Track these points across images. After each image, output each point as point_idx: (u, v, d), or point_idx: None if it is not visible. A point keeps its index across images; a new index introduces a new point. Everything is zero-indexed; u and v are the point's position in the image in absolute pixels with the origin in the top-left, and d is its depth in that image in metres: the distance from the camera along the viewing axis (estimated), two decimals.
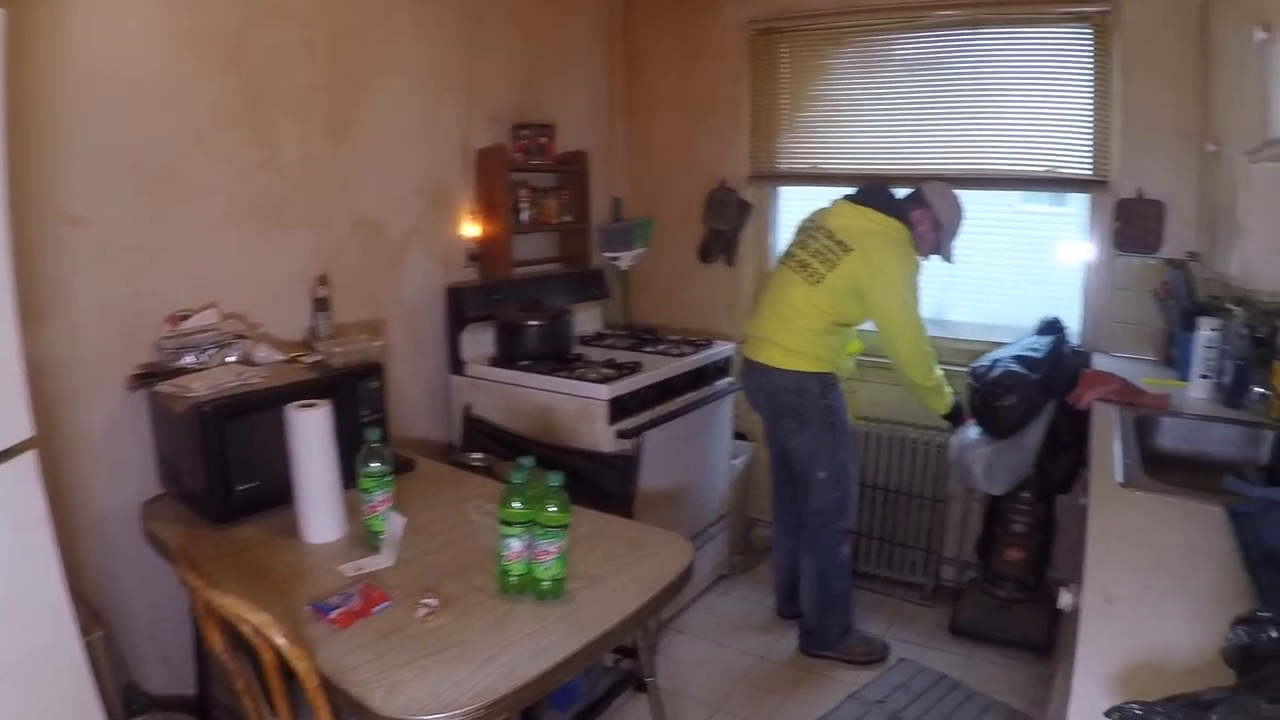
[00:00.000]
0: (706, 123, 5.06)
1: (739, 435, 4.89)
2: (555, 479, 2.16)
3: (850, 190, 3.93)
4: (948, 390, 3.91)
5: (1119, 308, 4.22)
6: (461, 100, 4.20)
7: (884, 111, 4.62)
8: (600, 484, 3.43)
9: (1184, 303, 3.81)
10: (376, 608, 2.17)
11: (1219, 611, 1.67)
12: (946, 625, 4.34)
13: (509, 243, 4.27)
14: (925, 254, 3.84)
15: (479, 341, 4.16)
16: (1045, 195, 4.59)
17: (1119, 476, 2.49)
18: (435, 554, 2.52)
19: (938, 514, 4.61)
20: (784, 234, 5.08)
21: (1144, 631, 1.65)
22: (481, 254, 4.32)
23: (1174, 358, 3.88)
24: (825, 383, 3.78)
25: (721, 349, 4.54)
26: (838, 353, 3.84)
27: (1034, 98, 4.27)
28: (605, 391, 3.69)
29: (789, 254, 3.91)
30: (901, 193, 3.87)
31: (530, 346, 4.04)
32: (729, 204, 4.98)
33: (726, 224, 4.99)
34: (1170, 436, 3.19)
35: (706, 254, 5.09)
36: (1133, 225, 4.07)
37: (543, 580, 2.21)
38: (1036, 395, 3.72)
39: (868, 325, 3.87)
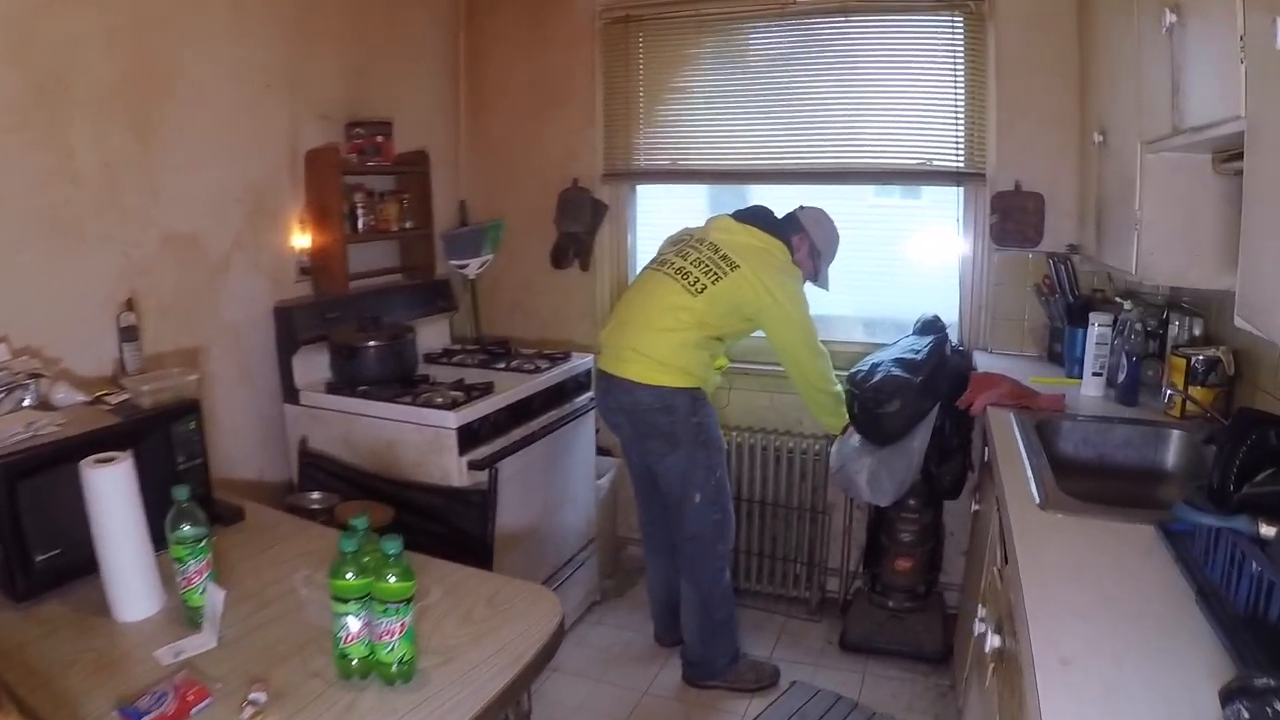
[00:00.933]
0: (558, 118, 4.75)
1: (602, 451, 4.58)
2: (393, 546, 1.76)
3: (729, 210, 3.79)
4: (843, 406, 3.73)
5: (999, 303, 4.15)
6: (287, 96, 3.77)
7: (749, 104, 4.42)
8: (454, 522, 3.06)
9: (1068, 297, 3.76)
10: (195, 709, 1.77)
11: (1190, 668, 1.49)
12: (837, 641, 4.16)
13: (344, 253, 3.85)
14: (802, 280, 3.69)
15: (314, 365, 3.73)
16: (898, 189, 4.50)
17: (1035, 497, 2.27)
18: (266, 629, 2.11)
19: (819, 525, 4.40)
20: (643, 236, 4.85)
21: (1115, 706, 1.40)
22: (314, 267, 3.88)
23: (1058, 354, 3.82)
24: (695, 398, 3.52)
25: (580, 362, 4.24)
26: (707, 367, 3.58)
27: (906, 89, 4.15)
28: (453, 419, 3.33)
29: (662, 260, 3.65)
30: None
31: (370, 370, 3.63)
32: (582, 204, 4.68)
33: (580, 226, 4.68)
34: (1071, 441, 3.03)
35: (559, 259, 4.78)
36: (1011, 219, 3.99)
37: (389, 664, 1.84)
38: (920, 399, 3.58)
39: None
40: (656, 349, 3.46)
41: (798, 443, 4.36)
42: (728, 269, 3.47)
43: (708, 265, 3.49)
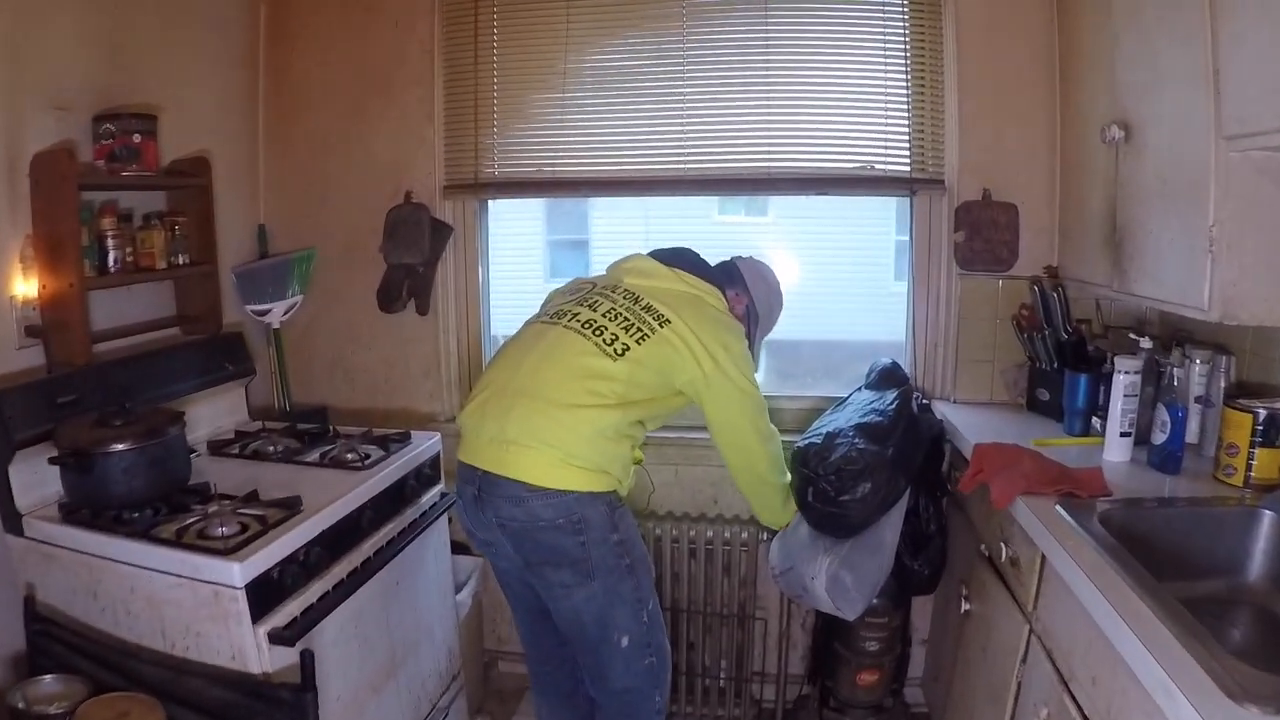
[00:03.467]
0: (387, 115, 3.71)
1: (459, 548, 3.47)
2: None
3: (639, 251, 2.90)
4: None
5: (962, 341, 3.49)
6: (3, 75, 2.61)
7: (640, 95, 3.58)
8: None
9: (1061, 333, 3.14)
10: None
11: None
12: None
13: (83, 304, 2.69)
14: None
15: (44, 477, 2.52)
16: (743, 204, 4.06)
17: (1214, 677, 1.41)
18: None
19: (748, 629, 3.51)
20: (498, 267, 3.89)
21: None
22: (46, 324, 2.72)
23: (1043, 403, 3.23)
24: (612, 506, 2.52)
25: (426, 444, 3.15)
26: (627, 465, 2.59)
27: (842, 75, 3.46)
28: (238, 572, 2.15)
29: (559, 313, 2.66)
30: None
31: (116, 487, 2.42)
32: (418, 226, 3.65)
33: (415, 255, 3.66)
34: (1131, 535, 2.15)
35: (389, 300, 3.73)
36: (980, 235, 3.36)
37: None
38: (894, 477, 2.80)
39: None
40: (566, 436, 2.45)
41: (718, 530, 3.44)
42: (655, 324, 2.55)
43: (627, 319, 2.56)
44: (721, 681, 3.56)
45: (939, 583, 3.12)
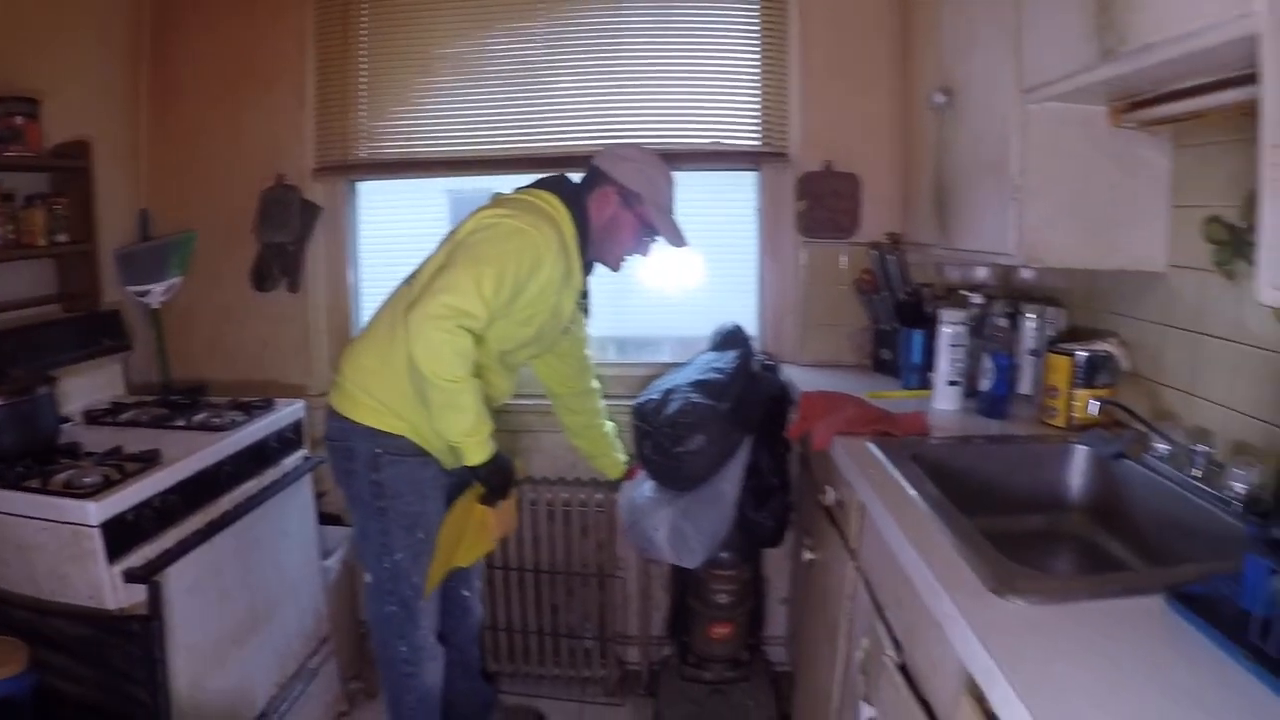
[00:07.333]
0: (262, 102, 3.78)
1: (330, 519, 3.61)
2: None
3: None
4: (486, 426, 2.45)
5: (809, 306, 3.62)
6: None
7: (500, 79, 3.66)
8: (112, 663, 2.14)
9: (899, 294, 3.31)
10: None
11: None
12: None
13: None
14: (636, 248, 2.77)
15: None
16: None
17: (980, 578, 1.50)
18: None
19: (609, 590, 3.60)
20: (367, 245, 3.95)
21: None
22: None
23: (887, 362, 3.36)
24: (385, 449, 2.58)
25: (287, 410, 3.25)
26: (415, 407, 2.54)
27: (692, 55, 3.56)
28: (94, 511, 2.28)
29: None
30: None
31: None
32: (289, 207, 3.71)
33: (287, 235, 3.71)
34: (953, 471, 2.26)
35: (262, 278, 3.79)
36: (823, 205, 3.47)
37: None
38: (729, 431, 2.87)
39: None
40: (350, 366, 2.64)
41: (573, 493, 3.54)
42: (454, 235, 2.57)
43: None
44: (588, 643, 3.65)
45: (784, 535, 3.16)
